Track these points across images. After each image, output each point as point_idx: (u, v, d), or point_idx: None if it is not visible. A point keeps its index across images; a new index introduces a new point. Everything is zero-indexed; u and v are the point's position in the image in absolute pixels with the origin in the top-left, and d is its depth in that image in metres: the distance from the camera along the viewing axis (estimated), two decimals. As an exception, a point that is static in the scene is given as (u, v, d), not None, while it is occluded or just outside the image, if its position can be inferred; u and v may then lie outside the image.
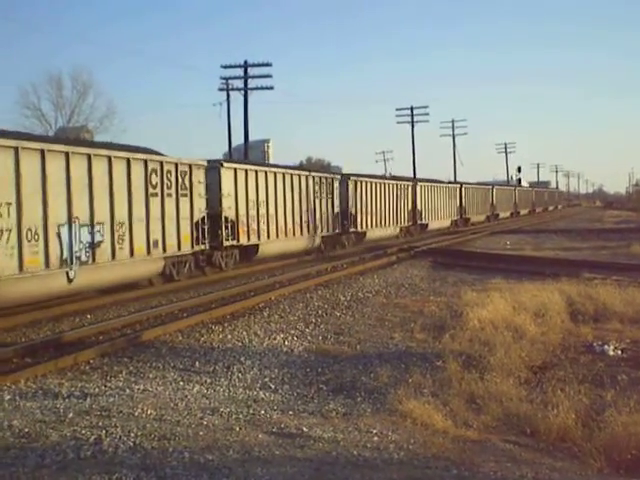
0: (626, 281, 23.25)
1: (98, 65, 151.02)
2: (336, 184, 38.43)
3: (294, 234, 34.03)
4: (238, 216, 28.17)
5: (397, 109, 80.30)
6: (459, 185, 64.34)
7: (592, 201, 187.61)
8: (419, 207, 51.15)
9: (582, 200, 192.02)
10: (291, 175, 35.20)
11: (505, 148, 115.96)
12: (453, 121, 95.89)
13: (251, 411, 9.67)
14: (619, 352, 15.06)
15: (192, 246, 24.56)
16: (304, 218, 34.93)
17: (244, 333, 15.92)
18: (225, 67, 48.77)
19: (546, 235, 50.27)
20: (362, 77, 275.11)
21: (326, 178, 37.48)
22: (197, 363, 13.17)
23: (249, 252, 29.60)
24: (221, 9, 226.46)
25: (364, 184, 41.99)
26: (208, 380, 12.03)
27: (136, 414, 9.15)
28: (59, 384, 11.30)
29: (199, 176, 25.14)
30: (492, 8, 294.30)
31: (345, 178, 40.09)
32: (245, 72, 46.63)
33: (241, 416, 9.34)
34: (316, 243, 35.78)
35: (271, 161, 60.83)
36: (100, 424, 8.62)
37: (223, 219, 27.19)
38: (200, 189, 25.17)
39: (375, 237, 45.34)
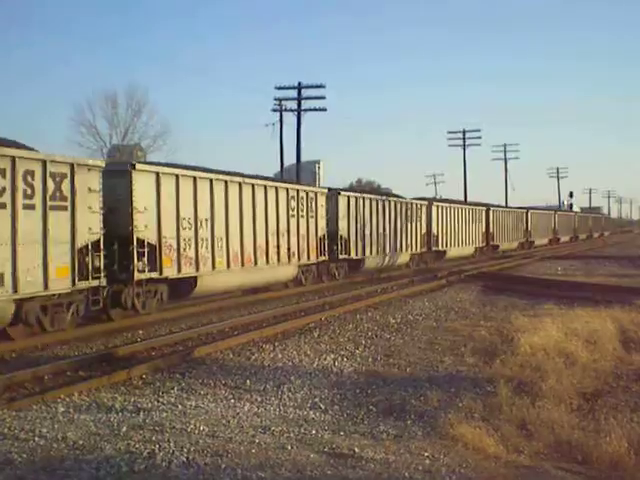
0: (680, 309, 22.84)
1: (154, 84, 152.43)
2: (321, 200, 31.79)
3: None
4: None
5: (449, 132, 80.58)
6: (485, 208, 58.88)
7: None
8: (434, 231, 46.65)
9: (635, 227, 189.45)
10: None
11: (557, 172, 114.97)
12: (505, 145, 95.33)
13: (302, 430, 9.70)
14: (673, 382, 14.82)
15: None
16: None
17: (294, 353, 15.97)
18: (279, 88, 49.21)
19: (597, 262, 49.66)
20: (415, 100, 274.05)
21: (307, 192, 30.52)
22: (248, 381, 13.23)
23: (183, 288, 22.41)
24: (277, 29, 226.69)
25: (360, 201, 36.05)
26: (259, 398, 12.08)
27: (189, 430, 9.24)
28: (112, 398, 11.44)
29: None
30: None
31: (334, 193, 33.91)
32: (299, 93, 47.06)
33: (292, 435, 9.38)
34: (291, 273, 29.35)
35: (321, 183, 60.90)
36: (153, 438, 8.72)
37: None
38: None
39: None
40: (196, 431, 9.22)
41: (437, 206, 47.60)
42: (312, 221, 30.61)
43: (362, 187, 79.57)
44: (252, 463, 7.91)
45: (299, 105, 46.87)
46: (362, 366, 15.19)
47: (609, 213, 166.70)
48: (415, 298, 26.77)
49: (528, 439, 10.39)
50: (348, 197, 34.93)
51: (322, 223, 31.62)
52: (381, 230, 38.15)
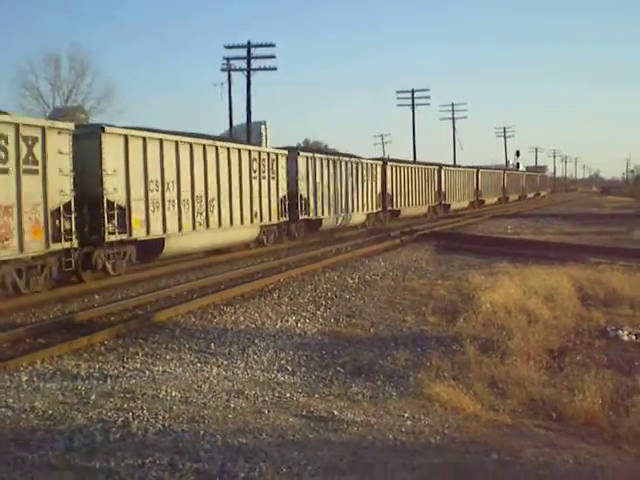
0: (634, 266, 23.09)
1: (98, 45, 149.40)
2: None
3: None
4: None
5: (398, 91, 79.92)
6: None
7: (589, 186, 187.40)
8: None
9: (579, 185, 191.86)
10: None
11: (504, 132, 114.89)
12: (453, 104, 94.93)
13: (276, 394, 9.51)
14: (633, 337, 14.95)
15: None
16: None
17: (256, 315, 15.75)
18: (228, 47, 48.38)
19: (546, 220, 50.16)
20: (363, 64, 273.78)
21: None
22: (212, 345, 13.00)
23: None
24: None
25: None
26: (225, 362, 11.87)
27: (160, 396, 9.00)
28: (76, 365, 11.13)
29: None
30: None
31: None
32: (248, 52, 46.25)
33: (267, 399, 9.19)
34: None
35: (268, 144, 60.32)
36: (125, 406, 8.47)
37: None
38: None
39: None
40: (168, 397, 8.97)
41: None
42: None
43: (310, 148, 79.04)
44: (231, 429, 7.70)
45: (249, 64, 46.12)
46: (325, 327, 15.06)
47: (554, 172, 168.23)
48: (371, 258, 26.64)
49: (501, 397, 10.36)
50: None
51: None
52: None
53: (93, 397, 8.92)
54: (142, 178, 21.50)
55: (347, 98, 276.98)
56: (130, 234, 20.86)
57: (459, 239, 33.99)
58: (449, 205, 61.20)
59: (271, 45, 47.61)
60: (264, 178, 30.08)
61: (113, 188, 20.16)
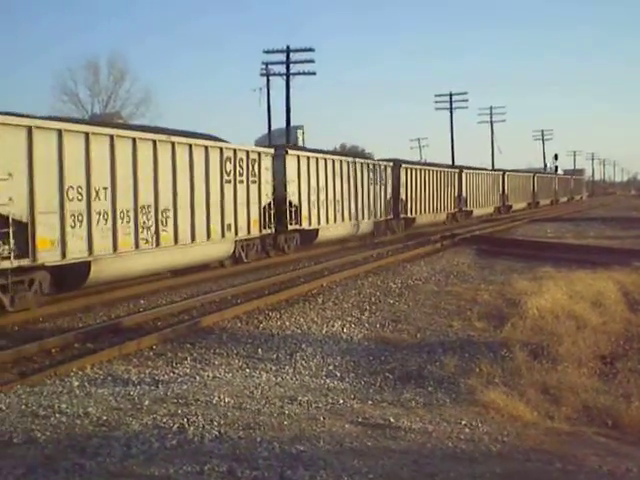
0: (681, 271, 22.74)
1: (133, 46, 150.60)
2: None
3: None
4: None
5: (436, 95, 79.55)
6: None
7: (627, 190, 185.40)
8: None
9: (617, 188, 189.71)
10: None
11: (542, 135, 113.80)
12: (491, 107, 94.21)
13: (329, 400, 9.43)
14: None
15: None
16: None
17: (301, 320, 15.70)
18: (267, 52, 48.43)
19: (586, 223, 49.59)
20: (403, 68, 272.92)
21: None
22: (260, 350, 12.97)
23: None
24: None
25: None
26: (273, 367, 11.85)
27: (214, 402, 8.94)
28: (126, 370, 11.12)
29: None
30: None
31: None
32: (287, 57, 46.26)
33: (321, 405, 9.11)
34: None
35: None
36: (180, 412, 8.41)
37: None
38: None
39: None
40: (222, 403, 8.91)
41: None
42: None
43: (345, 152, 78.73)
44: (288, 436, 7.62)
45: (288, 69, 46.21)
46: (371, 332, 15.01)
47: (593, 175, 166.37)
48: (412, 263, 26.46)
49: (555, 404, 10.24)
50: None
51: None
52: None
53: (146, 403, 8.88)
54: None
55: (385, 102, 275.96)
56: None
57: (500, 243, 33.72)
58: (471, 212, 56.17)
59: (310, 50, 47.62)
60: (241, 182, 24.94)
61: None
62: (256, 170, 26.02)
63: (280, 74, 46.93)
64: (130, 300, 17.95)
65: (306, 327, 15.11)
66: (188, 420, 8.07)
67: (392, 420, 8.45)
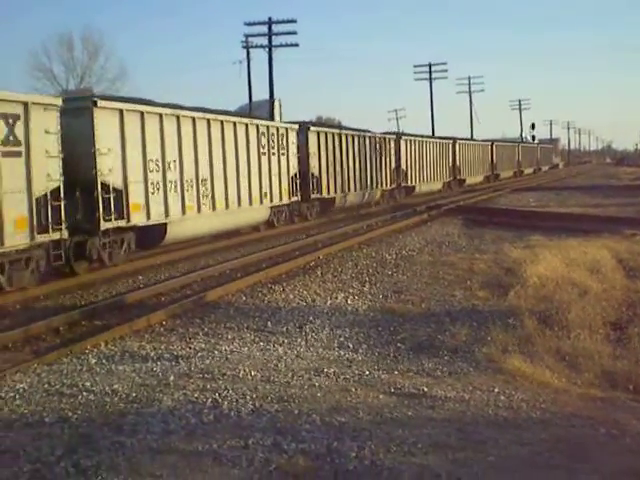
0: (671, 236, 22.90)
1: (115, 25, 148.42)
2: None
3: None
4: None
5: (415, 66, 78.15)
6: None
7: (602, 158, 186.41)
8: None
9: (592, 157, 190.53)
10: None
11: (519, 105, 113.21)
12: (470, 77, 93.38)
13: (355, 371, 9.37)
14: (687, 308, 14.80)
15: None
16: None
17: (305, 292, 15.62)
18: (249, 24, 47.57)
19: (568, 192, 49.79)
20: (379, 41, 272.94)
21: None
22: (269, 323, 12.88)
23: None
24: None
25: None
26: (285, 340, 11.75)
27: (240, 376, 8.86)
28: (140, 346, 10.97)
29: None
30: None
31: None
32: (269, 29, 45.57)
33: (348, 376, 9.04)
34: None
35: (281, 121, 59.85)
36: (208, 387, 8.33)
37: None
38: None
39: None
40: (249, 377, 8.82)
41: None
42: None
43: (322, 124, 78.34)
44: (325, 408, 7.55)
45: (270, 41, 45.42)
46: (375, 303, 14.97)
47: (569, 144, 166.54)
48: (403, 234, 26.43)
49: (575, 370, 10.22)
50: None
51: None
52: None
53: (172, 379, 8.78)
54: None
55: (361, 74, 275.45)
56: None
57: (487, 213, 33.74)
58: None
59: (292, 21, 47.05)
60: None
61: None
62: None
63: (262, 46, 46.23)
64: (129, 276, 17.79)
65: (310, 299, 15.02)
66: (220, 395, 8.00)
67: (425, 389, 8.40)
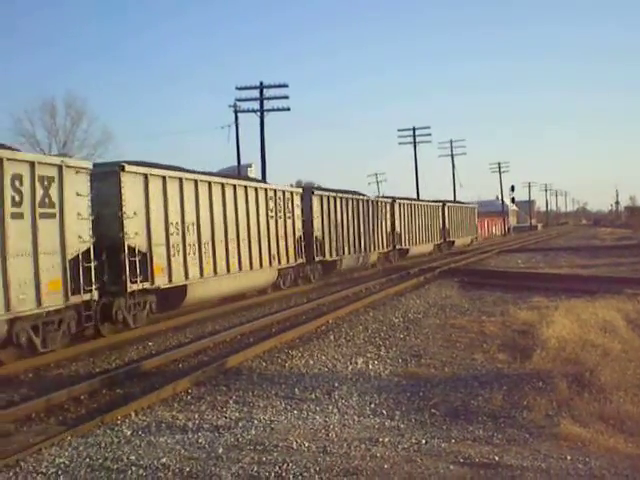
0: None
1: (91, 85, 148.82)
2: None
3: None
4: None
5: (399, 130, 78.21)
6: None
7: (578, 219, 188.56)
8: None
9: (569, 218, 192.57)
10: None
11: (499, 167, 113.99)
12: (452, 141, 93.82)
13: (412, 440, 8.98)
14: None
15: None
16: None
17: (323, 358, 15.23)
18: (240, 88, 47.49)
19: (554, 253, 49.91)
20: (362, 108, 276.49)
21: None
22: (296, 390, 12.45)
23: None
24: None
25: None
26: (318, 408, 11.31)
27: (294, 447, 8.44)
28: (173, 416, 10.51)
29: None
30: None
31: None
32: (261, 93, 45.59)
33: (406, 445, 8.65)
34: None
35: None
36: (264, 460, 7.91)
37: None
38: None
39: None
40: (304, 448, 8.41)
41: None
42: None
43: (323, 188, 78.37)
44: (399, 480, 7.18)
45: (262, 105, 45.37)
46: (397, 368, 14.56)
47: (547, 206, 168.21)
48: (404, 296, 26.17)
49: (628, 434, 9.88)
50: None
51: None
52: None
53: (220, 450, 8.35)
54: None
55: (341, 138, 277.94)
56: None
57: (480, 275, 33.62)
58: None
59: (284, 86, 47.11)
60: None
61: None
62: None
63: (254, 110, 46.08)
64: (138, 342, 17.32)
65: (331, 365, 14.62)
66: (281, 468, 7.58)
67: (496, 458, 8.02)
